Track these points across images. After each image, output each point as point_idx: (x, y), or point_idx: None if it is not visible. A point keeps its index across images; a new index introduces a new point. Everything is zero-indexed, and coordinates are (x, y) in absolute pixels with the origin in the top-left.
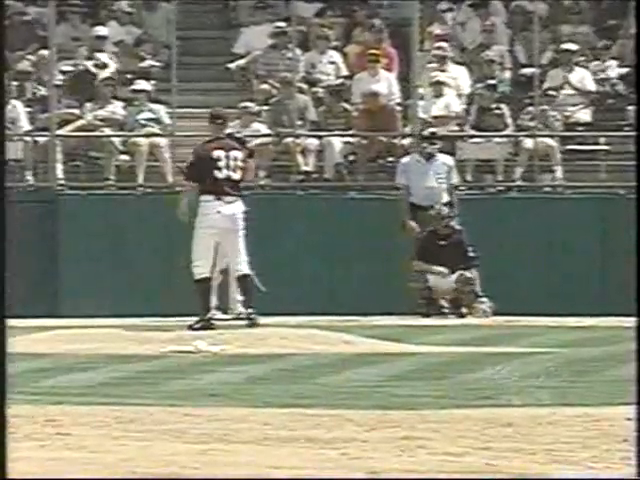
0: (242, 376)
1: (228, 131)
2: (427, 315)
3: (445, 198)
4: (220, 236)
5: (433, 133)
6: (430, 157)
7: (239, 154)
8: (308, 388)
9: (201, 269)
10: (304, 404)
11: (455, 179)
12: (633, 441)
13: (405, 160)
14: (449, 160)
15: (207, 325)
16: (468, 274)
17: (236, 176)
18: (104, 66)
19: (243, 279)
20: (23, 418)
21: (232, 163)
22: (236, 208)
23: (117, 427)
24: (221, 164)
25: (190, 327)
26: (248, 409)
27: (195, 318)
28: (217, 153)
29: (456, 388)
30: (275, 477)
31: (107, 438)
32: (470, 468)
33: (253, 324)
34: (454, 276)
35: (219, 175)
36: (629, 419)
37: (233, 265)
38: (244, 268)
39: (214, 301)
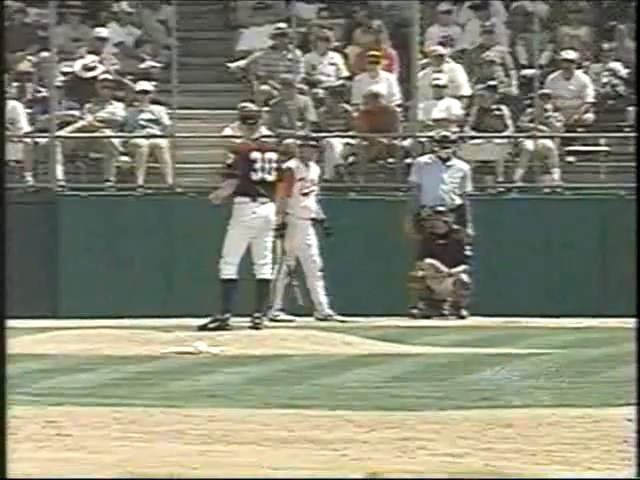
0: (242, 377)
1: (263, 132)
2: (427, 316)
3: (457, 202)
4: (253, 237)
5: (445, 136)
6: (446, 160)
7: (274, 156)
8: (308, 389)
9: (229, 270)
10: (304, 405)
11: (469, 187)
12: (633, 442)
13: (421, 159)
14: (465, 167)
15: (223, 326)
16: (464, 278)
17: (270, 178)
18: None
19: (263, 283)
20: (23, 419)
21: (267, 165)
22: (269, 210)
23: (117, 428)
24: (257, 166)
25: (202, 327)
26: (248, 410)
27: (192, 318)
28: (254, 155)
29: (456, 389)
30: (275, 478)
31: (107, 439)
32: (470, 469)
33: (257, 328)
34: (451, 279)
35: (254, 177)
36: (629, 420)
37: (257, 267)
38: (267, 272)
39: (279, 302)
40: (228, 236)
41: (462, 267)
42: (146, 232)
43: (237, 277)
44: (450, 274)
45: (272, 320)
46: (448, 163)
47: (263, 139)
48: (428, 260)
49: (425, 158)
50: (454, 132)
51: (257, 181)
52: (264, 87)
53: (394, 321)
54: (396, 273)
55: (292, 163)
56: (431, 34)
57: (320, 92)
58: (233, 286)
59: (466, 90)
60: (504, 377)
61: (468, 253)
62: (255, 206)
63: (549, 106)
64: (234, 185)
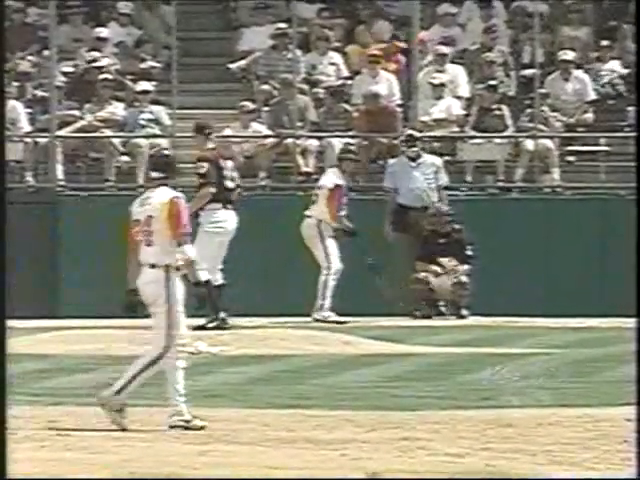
0: (242, 377)
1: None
2: (427, 316)
3: (434, 198)
4: (221, 242)
5: (410, 135)
6: (415, 158)
7: (231, 164)
8: (308, 389)
9: (206, 273)
10: (304, 405)
11: (444, 179)
12: (633, 442)
13: (392, 162)
14: (437, 160)
15: (222, 325)
16: (463, 278)
17: (232, 185)
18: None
19: (217, 289)
20: (24, 419)
21: (229, 173)
22: (234, 218)
23: (117, 428)
24: (227, 173)
25: (202, 327)
26: (248, 410)
27: (191, 318)
28: (222, 162)
29: (456, 389)
30: (275, 477)
31: (108, 439)
32: (470, 469)
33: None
34: (451, 279)
35: (228, 184)
36: (629, 420)
37: (215, 272)
38: (219, 279)
39: (329, 303)
40: (203, 242)
41: (465, 267)
42: None
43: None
44: (453, 270)
45: (322, 321)
46: (418, 161)
47: (221, 147)
48: (428, 261)
49: (395, 161)
50: (454, 131)
51: (228, 188)
52: (264, 87)
53: (394, 321)
54: (396, 273)
55: (339, 179)
56: (432, 34)
57: (320, 92)
58: (218, 290)
59: (466, 90)
60: (504, 377)
61: (470, 253)
62: (226, 212)
63: (548, 107)
64: (210, 194)
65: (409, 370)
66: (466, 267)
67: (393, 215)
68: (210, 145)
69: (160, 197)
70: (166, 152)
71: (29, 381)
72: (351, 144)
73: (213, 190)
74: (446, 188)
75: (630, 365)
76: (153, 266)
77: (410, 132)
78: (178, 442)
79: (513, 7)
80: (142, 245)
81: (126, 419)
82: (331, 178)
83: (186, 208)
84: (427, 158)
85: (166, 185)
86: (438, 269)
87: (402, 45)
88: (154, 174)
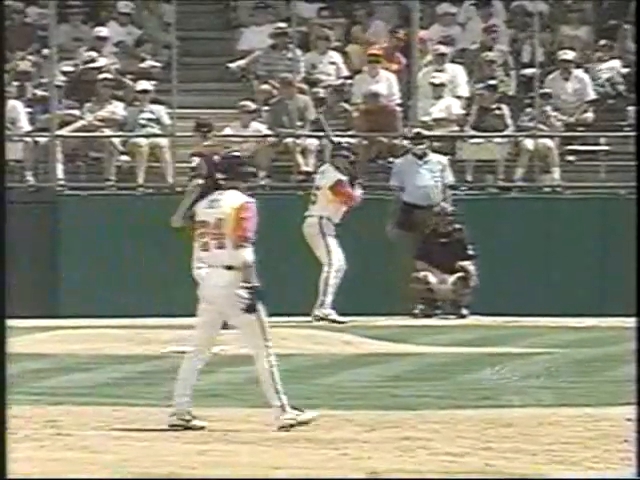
0: (242, 376)
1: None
2: (427, 316)
3: (439, 197)
4: None
5: (418, 133)
6: (422, 156)
7: None
8: (308, 388)
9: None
10: (304, 405)
11: (450, 178)
12: (633, 441)
13: (398, 161)
14: (443, 159)
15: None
16: (471, 278)
17: None
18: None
19: None
20: (23, 418)
21: None
22: None
23: (117, 427)
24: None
25: None
26: (248, 410)
27: (192, 318)
28: (217, 158)
29: (456, 388)
30: (275, 477)
31: (107, 438)
32: (470, 468)
33: None
34: (452, 278)
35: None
36: (629, 419)
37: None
38: None
39: (330, 301)
40: None
41: (470, 266)
42: (146, 231)
43: None
44: (459, 269)
45: (323, 318)
46: (424, 159)
47: (217, 145)
48: (427, 261)
49: (401, 160)
50: (454, 130)
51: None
52: (264, 86)
53: (395, 320)
54: (396, 272)
55: (337, 175)
56: (431, 33)
57: (320, 91)
58: None
59: (466, 90)
60: (504, 376)
61: (471, 252)
62: None
63: (549, 106)
64: (199, 187)
65: (409, 369)
66: (471, 266)
67: (398, 213)
68: (207, 142)
69: (231, 201)
70: (236, 154)
71: (29, 380)
72: (348, 142)
73: (199, 181)
74: (449, 187)
75: (630, 365)
76: (230, 268)
77: (417, 130)
78: (178, 442)
79: (513, 6)
80: (212, 248)
81: (304, 412)
82: (329, 176)
83: (255, 214)
84: (433, 156)
85: (237, 188)
86: (441, 276)
87: (402, 37)
88: (218, 175)
